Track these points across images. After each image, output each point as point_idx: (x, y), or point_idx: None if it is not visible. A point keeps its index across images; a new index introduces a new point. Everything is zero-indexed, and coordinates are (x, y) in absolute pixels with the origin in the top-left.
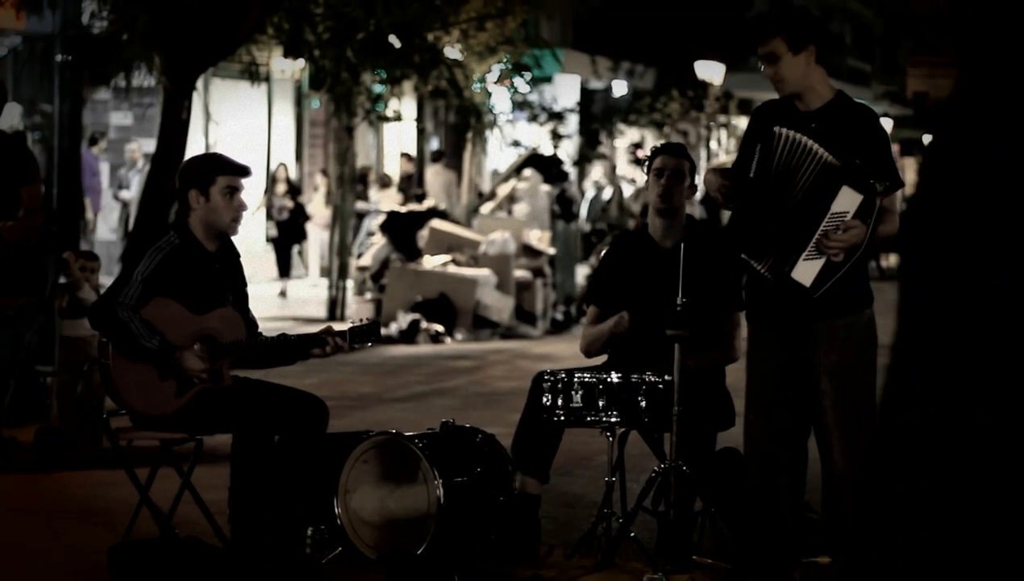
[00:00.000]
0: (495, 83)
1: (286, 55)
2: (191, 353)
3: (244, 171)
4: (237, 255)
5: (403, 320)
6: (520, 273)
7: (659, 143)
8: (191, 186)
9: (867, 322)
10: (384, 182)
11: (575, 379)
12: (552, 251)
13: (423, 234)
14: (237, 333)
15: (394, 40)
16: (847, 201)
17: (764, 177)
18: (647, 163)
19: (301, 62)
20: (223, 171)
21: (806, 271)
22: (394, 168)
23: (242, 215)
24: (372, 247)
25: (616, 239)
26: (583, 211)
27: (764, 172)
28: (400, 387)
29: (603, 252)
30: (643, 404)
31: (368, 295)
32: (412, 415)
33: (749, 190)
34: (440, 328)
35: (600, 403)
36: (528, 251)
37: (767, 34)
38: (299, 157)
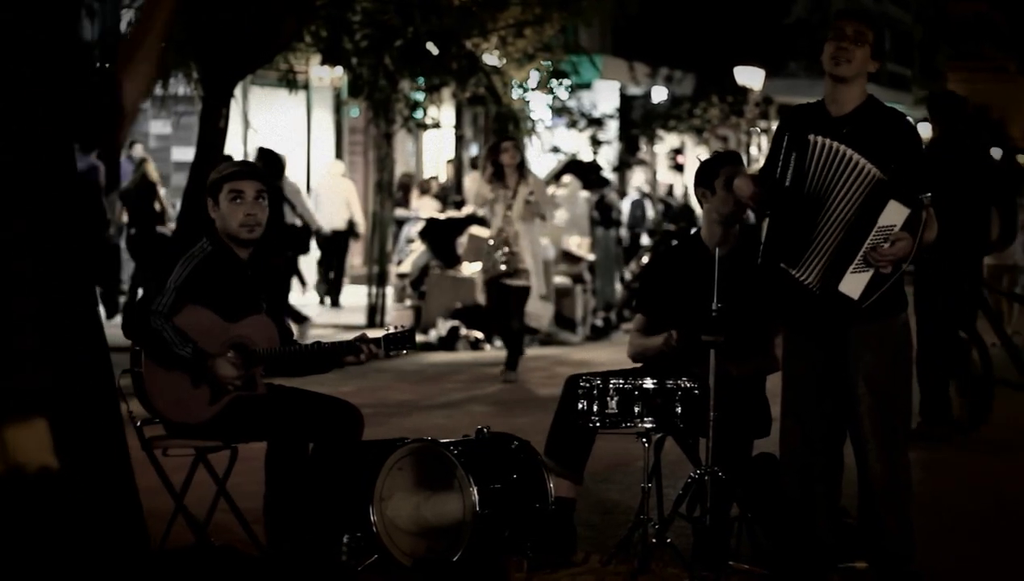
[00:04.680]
0: (534, 89)
1: (324, 63)
2: (224, 360)
3: (246, 174)
4: (271, 262)
5: (442, 327)
6: (559, 279)
7: (716, 151)
8: (207, 196)
9: (902, 326)
10: (423, 189)
11: (610, 385)
12: (592, 257)
13: (462, 241)
14: (270, 340)
15: (431, 47)
16: (894, 215)
17: (800, 186)
18: (706, 170)
19: (339, 70)
20: (227, 177)
21: (854, 284)
22: (434, 175)
23: (255, 221)
24: (411, 254)
25: (665, 245)
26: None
27: (800, 181)
28: (438, 394)
29: (645, 259)
30: (678, 410)
31: (408, 302)
32: (449, 422)
33: (785, 199)
34: (480, 335)
35: (635, 409)
36: (567, 257)
37: (868, 20)
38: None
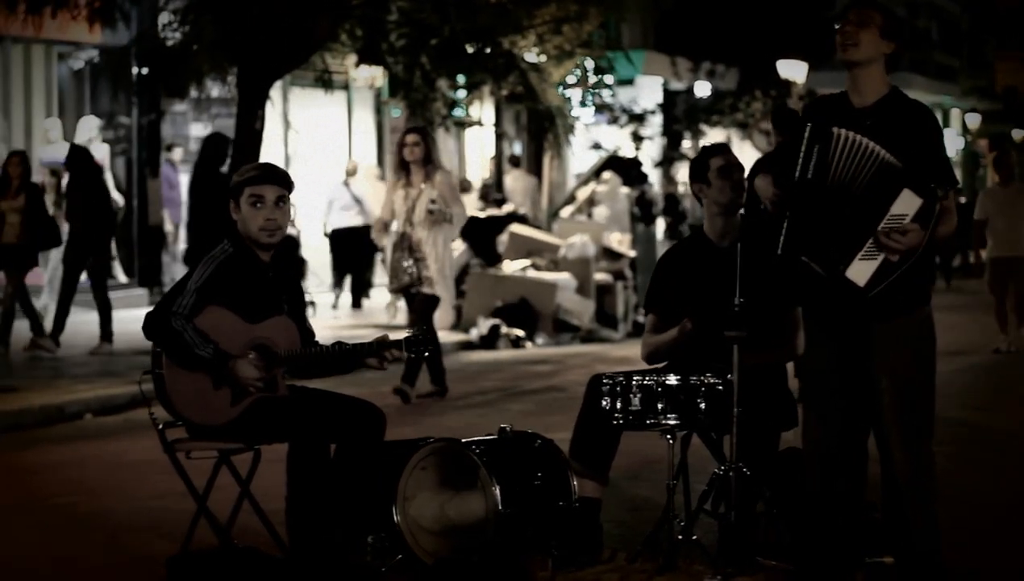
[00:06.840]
0: (572, 86)
1: (360, 63)
2: (245, 362)
3: (266, 178)
4: (292, 264)
5: (483, 325)
6: (600, 276)
7: (706, 144)
8: (230, 198)
9: (924, 320)
10: (463, 188)
11: (633, 382)
12: (632, 254)
13: (503, 239)
14: (291, 342)
15: (467, 46)
16: (907, 204)
17: (822, 179)
18: (698, 164)
19: (378, 69)
20: (248, 181)
21: (861, 271)
22: (474, 173)
23: (275, 225)
24: (452, 253)
25: (671, 244)
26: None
27: (822, 174)
28: (477, 393)
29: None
30: (702, 406)
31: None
32: (485, 420)
33: (807, 192)
34: (521, 333)
35: (659, 406)
36: (608, 254)
37: (873, 4)
38: (380, 164)
